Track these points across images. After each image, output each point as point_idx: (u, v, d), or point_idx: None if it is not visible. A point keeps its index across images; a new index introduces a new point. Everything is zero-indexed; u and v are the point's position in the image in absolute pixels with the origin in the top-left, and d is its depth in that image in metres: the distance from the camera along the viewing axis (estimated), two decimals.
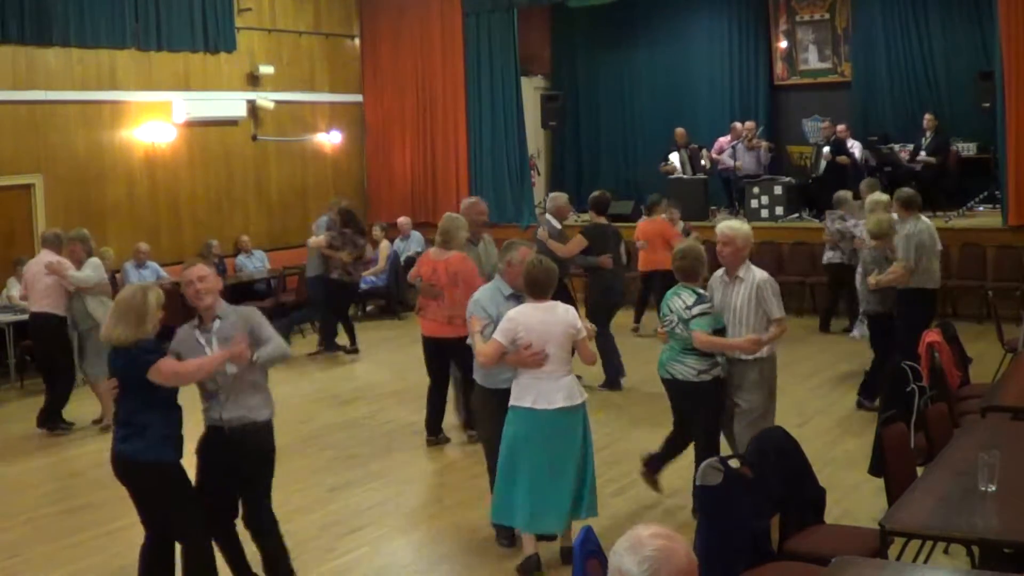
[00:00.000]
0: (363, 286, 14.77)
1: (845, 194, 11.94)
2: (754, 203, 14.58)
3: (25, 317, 9.97)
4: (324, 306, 12.28)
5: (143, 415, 5.16)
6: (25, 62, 12.46)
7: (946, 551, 5.41)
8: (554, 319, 5.83)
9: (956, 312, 12.31)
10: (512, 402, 5.89)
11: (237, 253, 14.50)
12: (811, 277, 13.16)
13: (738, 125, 15.74)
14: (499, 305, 6.23)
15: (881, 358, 8.56)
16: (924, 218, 9.18)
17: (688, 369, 6.34)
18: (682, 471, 7.61)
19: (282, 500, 7.43)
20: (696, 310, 6.27)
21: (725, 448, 6.40)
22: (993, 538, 4.44)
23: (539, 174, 17.33)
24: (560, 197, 10.68)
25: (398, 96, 16.65)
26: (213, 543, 5.48)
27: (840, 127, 14.96)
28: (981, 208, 14.12)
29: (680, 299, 6.35)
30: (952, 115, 15.00)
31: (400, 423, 9.50)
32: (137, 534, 6.75)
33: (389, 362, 12.02)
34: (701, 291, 6.45)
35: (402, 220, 15.40)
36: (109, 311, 5.36)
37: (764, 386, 6.42)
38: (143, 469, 5.18)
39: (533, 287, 5.88)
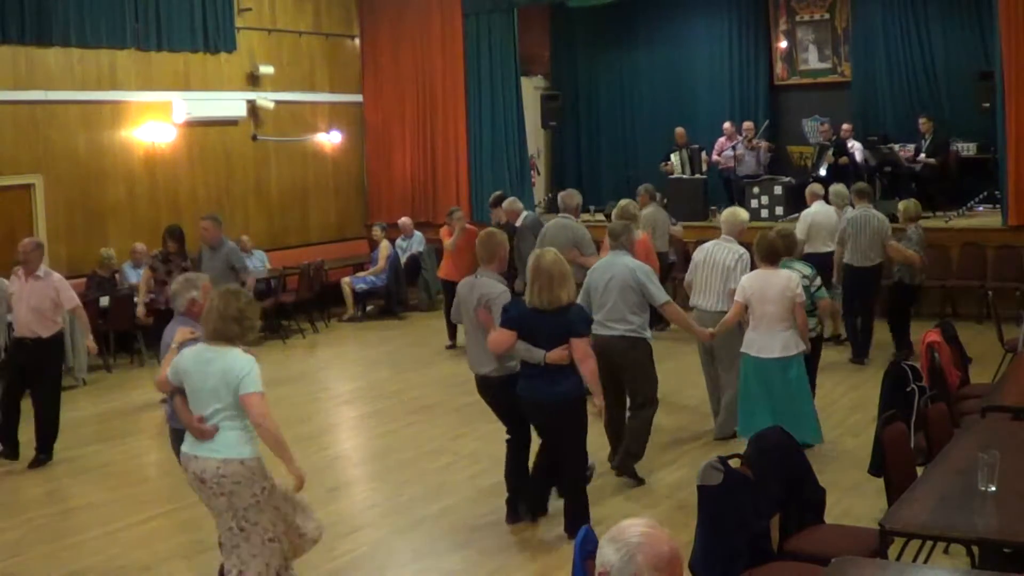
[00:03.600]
0: (363, 286, 14.79)
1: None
2: (754, 203, 14.58)
3: None
4: None
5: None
6: (25, 62, 12.45)
7: (946, 551, 5.41)
8: (773, 283, 7.22)
9: (956, 312, 12.30)
10: (743, 349, 7.47)
11: None
12: None
13: (728, 125, 15.74)
14: None
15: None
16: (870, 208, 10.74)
17: None
18: (683, 469, 7.63)
19: None
20: (818, 281, 7.81)
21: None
22: (993, 538, 4.44)
23: (539, 174, 17.33)
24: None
25: (398, 96, 16.65)
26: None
27: (844, 127, 15.00)
28: (981, 208, 14.12)
29: (796, 271, 7.57)
30: (952, 115, 14.99)
31: (399, 423, 9.50)
32: (136, 535, 6.77)
33: (389, 362, 12.03)
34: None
35: (403, 220, 15.39)
36: (545, 278, 6.08)
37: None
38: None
39: (765, 254, 7.32)
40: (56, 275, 8.77)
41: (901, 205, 10.96)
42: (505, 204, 11.94)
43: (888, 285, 10.84)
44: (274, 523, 5.16)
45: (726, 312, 7.97)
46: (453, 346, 12.15)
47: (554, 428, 6.40)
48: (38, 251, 8.62)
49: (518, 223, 11.53)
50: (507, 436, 6.83)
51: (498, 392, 6.64)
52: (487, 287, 6.52)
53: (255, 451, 5.11)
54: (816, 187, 11.72)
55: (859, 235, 10.52)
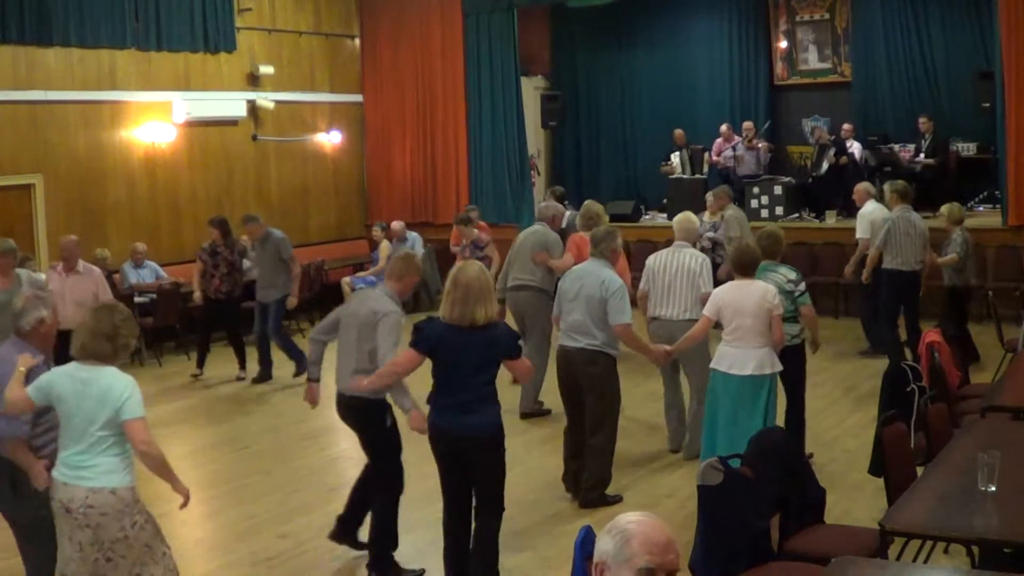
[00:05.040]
0: (363, 286, 14.76)
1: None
2: (754, 203, 14.58)
3: None
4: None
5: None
6: (25, 62, 12.45)
7: (946, 551, 5.41)
8: (749, 295, 6.64)
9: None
10: (712, 365, 6.88)
11: None
12: (810, 277, 13.14)
13: (725, 127, 15.74)
14: None
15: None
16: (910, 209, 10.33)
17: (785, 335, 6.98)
18: (683, 469, 7.63)
19: (282, 500, 7.47)
20: (803, 286, 7.23)
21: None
22: (993, 538, 4.44)
23: (539, 174, 17.32)
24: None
25: (398, 96, 16.65)
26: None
27: (845, 127, 15.02)
28: (981, 208, 14.11)
29: (781, 275, 7.15)
30: (952, 115, 14.99)
31: (399, 423, 9.48)
32: None
33: None
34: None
35: (396, 225, 15.28)
36: (461, 291, 5.42)
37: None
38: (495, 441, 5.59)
39: (739, 264, 6.78)
40: (96, 270, 9.24)
41: (945, 209, 10.67)
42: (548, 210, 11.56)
43: (944, 289, 10.56)
44: (143, 562, 4.79)
45: (695, 320, 7.59)
46: None
47: (471, 466, 5.61)
48: (77, 248, 9.15)
49: (563, 225, 11.12)
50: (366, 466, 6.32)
51: (361, 416, 6.16)
52: (381, 303, 6.00)
53: (129, 480, 4.78)
54: (868, 185, 11.36)
55: (907, 237, 10.05)
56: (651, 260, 8.07)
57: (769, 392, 6.72)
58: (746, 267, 6.79)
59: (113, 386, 4.74)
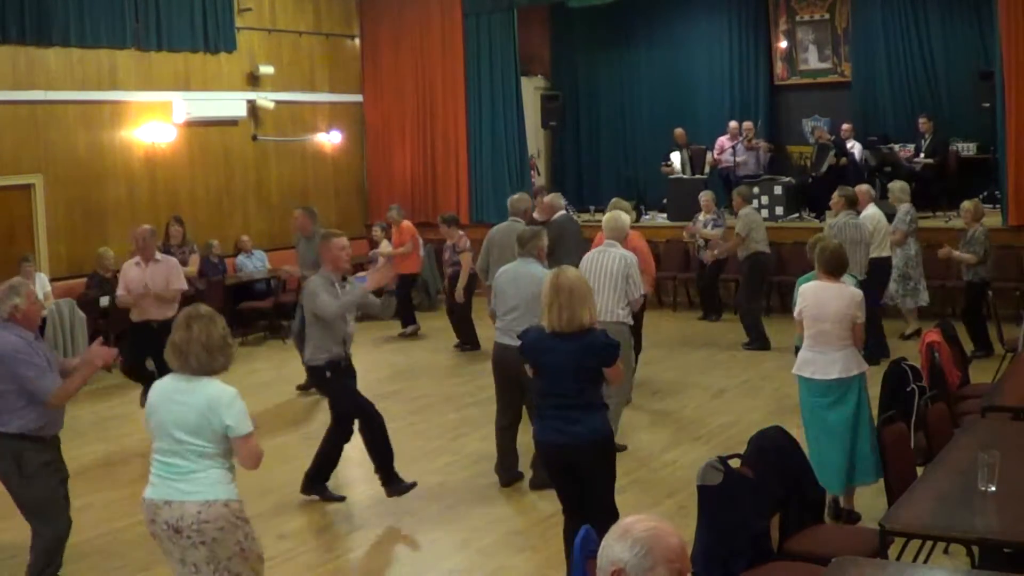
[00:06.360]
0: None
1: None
2: (754, 203, 14.58)
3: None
4: None
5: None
6: (25, 62, 12.44)
7: (946, 551, 5.41)
8: (832, 300, 6.34)
9: (956, 312, 12.30)
10: (795, 371, 6.58)
11: (237, 253, 14.49)
12: None
13: (734, 124, 15.77)
14: None
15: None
16: (854, 214, 10.16)
17: None
18: (683, 469, 7.64)
19: (282, 500, 7.46)
20: None
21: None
22: (993, 538, 4.44)
23: (539, 174, 17.33)
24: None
25: (398, 96, 16.65)
26: None
27: (844, 127, 15.05)
28: None
29: None
30: (952, 115, 15.01)
31: (399, 423, 9.49)
32: (136, 535, 6.76)
33: (388, 362, 12.03)
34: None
35: None
36: (566, 295, 5.29)
37: None
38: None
39: (829, 266, 6.44)
40: (172, 259, 9.52)
41: (968, 204, 10.68)
42: (547, 199, 11.34)
43: (964, 284, 10.72)
44: (258, 574, 4.63)
45: (619, 323, 7.65)
46: (404, 334, 13.31)
47: (580, 474, 5.44)
48: (153, 237, 9.40)
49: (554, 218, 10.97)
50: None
51: (313, 377, 7.57)
52: (310, 284, 7.11)
53: (237, 493, 4.59)
54: (868, 188, 11.25)
55: (854, 245, 9.62)
56: (582, 261, 8.01)
57: (860, 391, 6.44)
58: (835, 269, 6.44)
59: (216, 398, 4.50)
